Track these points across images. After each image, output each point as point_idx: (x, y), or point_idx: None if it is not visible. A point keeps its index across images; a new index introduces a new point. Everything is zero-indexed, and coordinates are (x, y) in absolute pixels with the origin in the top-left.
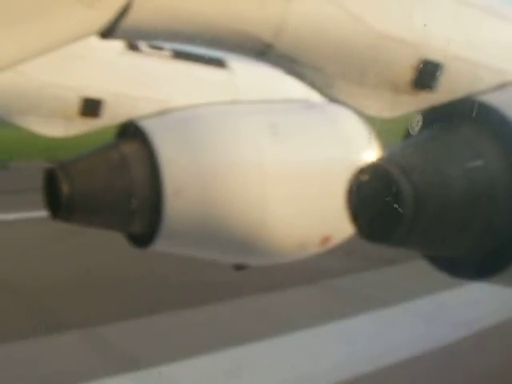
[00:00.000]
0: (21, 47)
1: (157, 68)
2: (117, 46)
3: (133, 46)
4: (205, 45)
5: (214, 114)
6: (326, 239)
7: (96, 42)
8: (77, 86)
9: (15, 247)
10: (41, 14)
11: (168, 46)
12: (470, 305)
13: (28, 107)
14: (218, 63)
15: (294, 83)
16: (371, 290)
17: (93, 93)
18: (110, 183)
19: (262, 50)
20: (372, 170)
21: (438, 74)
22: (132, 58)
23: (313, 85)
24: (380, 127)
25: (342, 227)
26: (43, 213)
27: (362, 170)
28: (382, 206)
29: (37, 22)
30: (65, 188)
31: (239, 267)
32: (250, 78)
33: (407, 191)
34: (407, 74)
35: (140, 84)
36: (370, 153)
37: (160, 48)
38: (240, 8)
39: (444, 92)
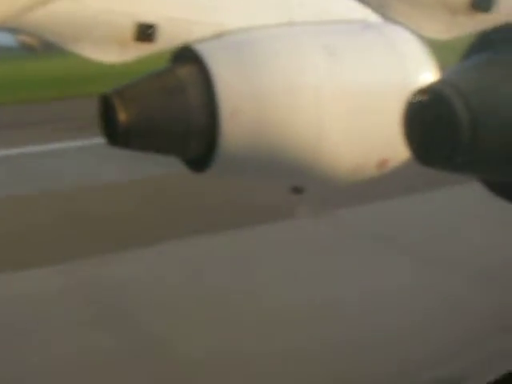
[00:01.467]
0: None
1: None
2: None
3: None
4: None
5: (270, 36)
6: (382, 162)
7: None
8: (131, 11)
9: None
10: None
11: None
12: None
13: (82, 34)
14: None
15: (350, 3)
16: None
17: (147, 18)
18: (166, 108)
19: None
20: (428, 92)
21: None
22: None
23: (368, 5)
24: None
25: (399, 151)
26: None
27: (418, 93)
28: (438, 130)
29: None
30: (121, 114)
31: (297, 190)
32: None
33: (463, 114)
34: None
35: (194, 7)
36: (428, 75)
37: None
38: None
39: (502, 13)
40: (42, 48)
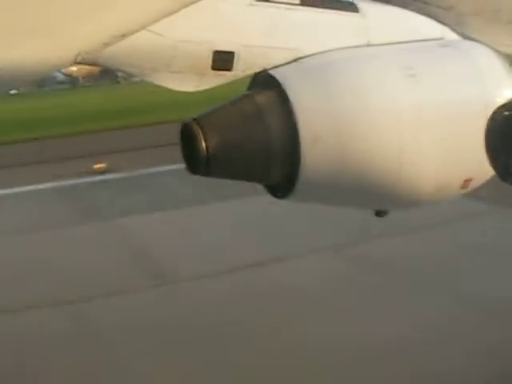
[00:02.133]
0: (151, 8)
1: (287, 16)
2: None
3: None
4: None
5: (348, 59)
6: (467, 182)
7: None
8: (209, 40)
9: None
10: None
11: None
12: None
13: (161, 65)
14: (349, 7)
15: (427, 21)
16: None
17: (225, 46)
18: (246, 135)
19: None
20: (510, 108)
21: None
22: (261, 7)
23: (445, 23)
24: None
25: (482, 169)
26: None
27: (501, 109)
28: None
29: None
30: (201, 142)
31: (380, 213)
32: (383, 19)
33: None
34: None
35: (271, 34)
36: (509, 90)
37: None
38: None
39: None
40: (84, 81)
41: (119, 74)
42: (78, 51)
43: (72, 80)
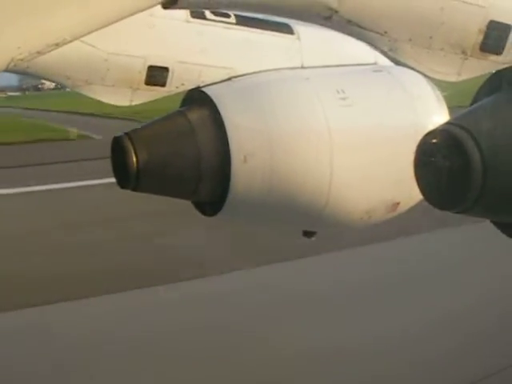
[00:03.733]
0: (87, 19)
1: (222, 35)
2: (182, 13)
3: (198, 14)
4: (270, 13)
5: (281, 79)
6: (394, 205)
7: (161, 10)
8: (143, 55)
9: None
10: None
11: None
12: None
13: (94, 77)
14: (284, 29)
15: (361, 47)
16: None
17: (159, 61)
18: (177, 151)
19: (327, 16)
20: (439, 134)
21: (507, 37)
22: (197, 25)
23: (378, 48)
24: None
25: (410, 193)
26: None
27: (430, 135)
28: (449, 172)
29: None
30: (132, 157)
31: (308, 233)
32: (318, 42)
33: (474, 156)
34: (475, 37)
35: (206, 51)
36: (439, 117)
37: (225, 15)
38: None
39: None
40: None
41: None
42: (11, 57)
43: None
